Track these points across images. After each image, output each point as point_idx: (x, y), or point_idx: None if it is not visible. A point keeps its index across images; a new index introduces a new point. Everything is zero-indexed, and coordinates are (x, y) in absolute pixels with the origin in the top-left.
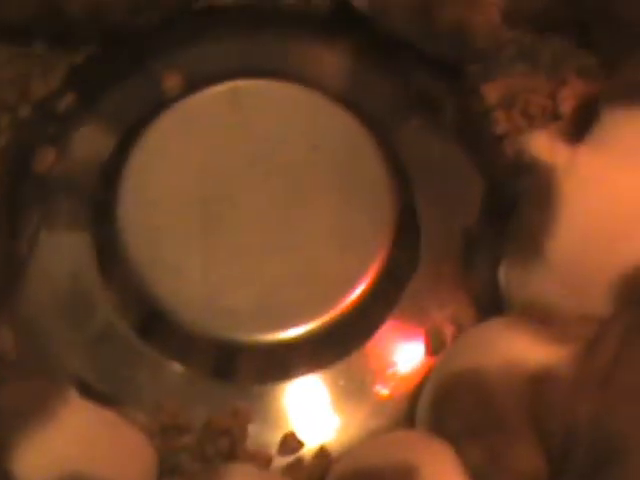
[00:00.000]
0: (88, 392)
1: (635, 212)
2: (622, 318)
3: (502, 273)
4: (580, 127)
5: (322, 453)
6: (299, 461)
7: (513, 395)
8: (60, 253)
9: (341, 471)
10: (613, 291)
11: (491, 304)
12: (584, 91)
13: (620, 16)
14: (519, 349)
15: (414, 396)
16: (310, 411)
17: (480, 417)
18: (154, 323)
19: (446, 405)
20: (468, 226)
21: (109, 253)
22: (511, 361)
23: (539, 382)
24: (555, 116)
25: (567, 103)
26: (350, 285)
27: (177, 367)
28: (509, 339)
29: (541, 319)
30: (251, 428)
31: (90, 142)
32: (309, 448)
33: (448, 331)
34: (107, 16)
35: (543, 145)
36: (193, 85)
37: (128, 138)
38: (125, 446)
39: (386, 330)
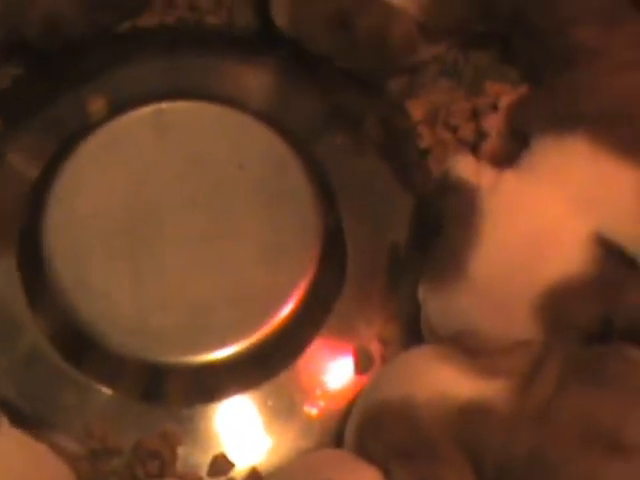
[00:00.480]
0: (16, 416)
1: (552, 236)
2: (557, 354)
3: (422, 295)
4: (504, 143)
5: (253, 474)
6: None
7: (442, 424)
8: None
9: None
10: (535, 311)
11: (418, 322)
12: (506, 105)
13: (536, 28)
14: (449, 380)
15: (343, 415)
16: (240, 432)
17: (408, 444)
18: (82, 347)
19: (373, 431)
20: (395, 244)
21: (36, 278)
22: (441, 392)
23: (470, 414)
24: (478, 132)
25: (490, 118)
26: (277, 305)
27: (106, 390)
28: (439, 369)
29: (469, 347)
30: (181, 450)
31: (16, 167)
32: (240, 469)
33: (376, 350)
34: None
35: (469, 166)
36: (118, 108)
37: (54, 163)
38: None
39: (314, 349)
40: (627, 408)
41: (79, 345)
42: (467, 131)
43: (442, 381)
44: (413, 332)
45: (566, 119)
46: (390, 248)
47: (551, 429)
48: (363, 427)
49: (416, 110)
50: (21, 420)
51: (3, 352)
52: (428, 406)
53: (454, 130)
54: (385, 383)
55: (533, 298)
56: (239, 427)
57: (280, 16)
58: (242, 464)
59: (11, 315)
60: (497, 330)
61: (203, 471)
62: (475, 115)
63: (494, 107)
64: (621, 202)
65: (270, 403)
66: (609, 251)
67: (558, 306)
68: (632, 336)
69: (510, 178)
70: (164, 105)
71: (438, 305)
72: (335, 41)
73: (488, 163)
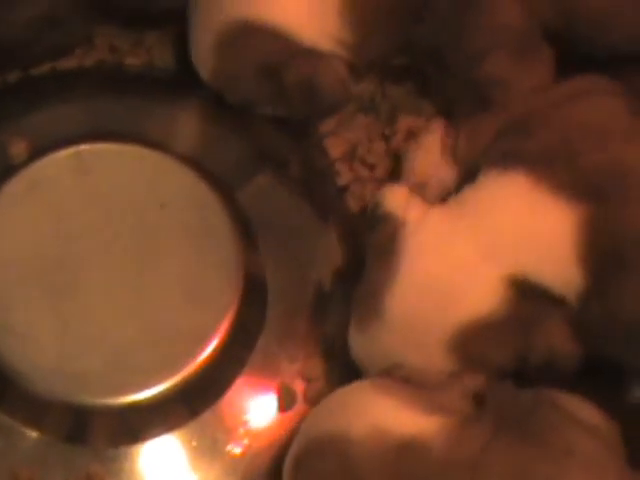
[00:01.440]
0: None
1: (463, 278)
2: (493, 398)
3: (350, 332)
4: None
5: None
6: None
7: (376, 463)
8: None
9: None
10: (448, 350)
11: (341, 358)
12: (423, 139)
13: (449, 63)
14: (386, 415)
15: (267, 453)
16: (165, 472)
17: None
18: (5, 389)
19: (309, 468)
20: (317, 281)
21: None
22: (378, 428)
23: (405, 452)
24: (395, 167)
25: (407, 152)
26: (199, 345)
27: (31, 433)
28: (376, 404)
29: (402, 380)
30: None
31: None
32: None
33: (298, 387)
34: None
35: (399, 199)
36: (40, 150)
37: None
38: None
39: (237, 388)
40: (557, 470)
41: (2, 388)
42: (382, 169)
43: (380, 416)
44: (336, 368)
45: (511, 155)
46: (312, 285)
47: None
48: (301, 464)
49: (335, 148)
50: None
51: None
52: (364, 443)
53: (371, 168)
54: (323, 418)
55: (446, 337)
56: (164, 467)
57: (203, 69)
58: None
59: None
60: (420, 366)
61: None
62: (391, 154)
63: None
64: (551, 242)
65: (194, 443)
66: (531, 291)
67: (470, 345)
68: (547, 375)
69: (435, 215)
70: (84, 147)
71: (361, 343)
72: (264, 91)
73: (419, 197)
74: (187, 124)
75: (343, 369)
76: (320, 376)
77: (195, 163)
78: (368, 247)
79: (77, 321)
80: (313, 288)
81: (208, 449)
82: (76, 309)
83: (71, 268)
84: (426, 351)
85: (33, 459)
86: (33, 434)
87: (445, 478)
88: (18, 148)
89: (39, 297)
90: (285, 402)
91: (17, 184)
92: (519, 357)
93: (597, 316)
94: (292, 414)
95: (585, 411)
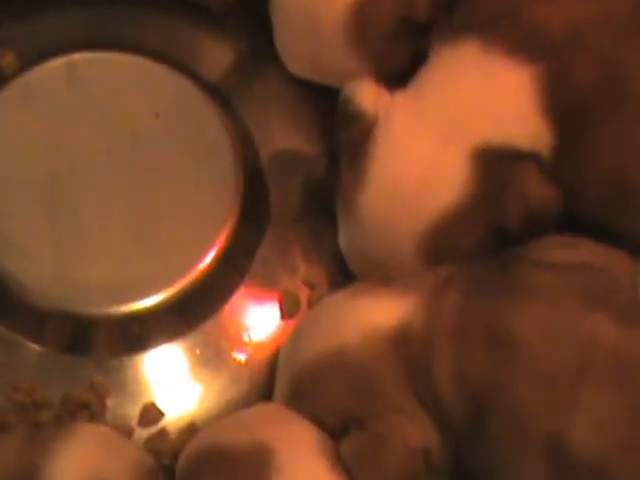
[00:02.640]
0: None
1: (431, 171)
2: (462, 271)
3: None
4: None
5: (183, 422)
6: (161, 432)
7: (382, 364)
8: None
9: (195, 450)
10: (419, 247)
11: (343, 263)
12: None
13: None
14: (370, 315)
15: (272, 361)
16: (168, 381)
17: (353, 399)
18: (5, 302)
19: (312, 391)
20: (317, 185)
21: None
22: (368, 330)
23: (401, 345)
24: None
25: None
26: (200, 253)
27: (32, 345)
28: (358, 308)
29: (380, 279)
30: (110, 401)
31: None
32: (170, 418)
33: (302, 294)
34: None
35: (368, 93)
36: (31, 61)
37: None
38: None
39: (239, 297)
40: (514, 308)
41: (3, 301)
42: None
43: (365, 318)
44: (338, 273)
45: (460, 28)
46: (314, 191)
47: (463, 341)
48: (299, 387)
49: None
50: None
51: None
52: (362, 350)
53: None
54: (312, 336)
55: (417, 237)
56: (167, 376)
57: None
58: (172, 413)
59: None
60: (395, 267)
61: (133, 421)
62: None
63: None
64: (508, 103)
65: (198, 351)
66: (498, 159)
67: (442, 241)
68: (532, 231)
69: (399, 104)
70: (77, 56)
71: (345, 246)
72: None
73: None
74: (182, 32)
75: (346, 276)
76: (323, 282)
77: (190, 72)
78: (341, 146)
79: (74, 231)
80: (313, 193)
81: (212, 357)
82: (73, 220)
83: (66, 179)
84: (399, 252)
85: (35, 371)
86: (34, 346)
87: (432, 356)
88: (7, 59)
89: (35, 208)
90: (288, 309)
91: (7, 96)
92: (495, 231)
93: (570, 171)
94: (295, 321)
95: (572, 250)
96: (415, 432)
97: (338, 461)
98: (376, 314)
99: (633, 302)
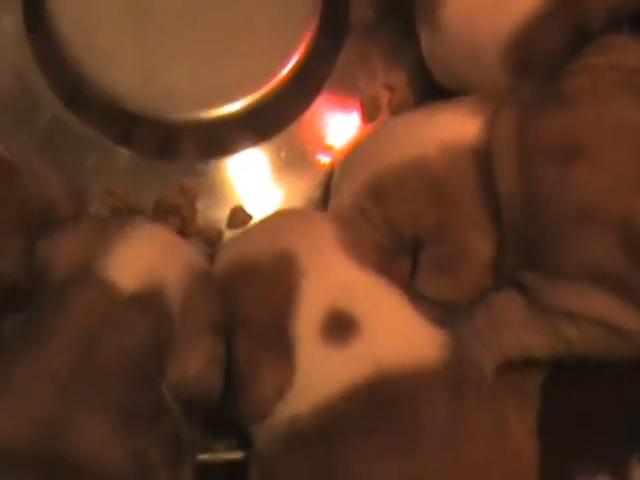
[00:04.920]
0: None
1: None
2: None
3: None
4: None
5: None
6: None
7: (462, 178)
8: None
9: (225, 264)
10: (503, 54)
11: (423, 69)
12: None
13: None
14: (450, 129)
15: None
16: (255, 184)
17: (433, 209)
18: (95, 108)
19: (392, 194)
20: None
21: (46, 47)
22: (448, 143)
23: (477, 159)
24: None
25: None
26: (283, 58)
27: (123, 151)
28: (438, 122)
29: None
30: (199, 205)
31: None
32: (257, 220)
33: (383, 97)
34: None
35: None
36: None
37: None
38: None
39: (322, 101)
40: (567, 114)
41: (92, 106)
42: None
43: (447, 130)
44: (421, 79)
45: None
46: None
47: (525, 149)
48: (381, 185)
49: None
50: None
51: (25, 128)
52: (443, 159)
53: None
54: (394, 141)
55: (500, 42)
56: (254, 179)
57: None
58: (259, 215)
59: (28, 90)
60: (473, 77)
61: (222, 224)
62: None
63: None
64: None
65: (282, 154)
66: None
67: (524, 43)
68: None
69: None
70: None
71: (427, 54)
72: None
73: None
74: None
75: (424, 79)
76: (404, 86)
77: None
78: None
79: (160, 40)
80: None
81: (297, 160)
82: (158, 28)
83: None
84: (483, 64)
85: (126, 176)
86: (125, 152)
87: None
88: None
89: (121, 16)
90: (369, 113)
91: None
92: (578, 30)
93: None
94: (376, 124)
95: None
96: (489, 249)
97: (363, 260)
98: (455, 128)
99: None
